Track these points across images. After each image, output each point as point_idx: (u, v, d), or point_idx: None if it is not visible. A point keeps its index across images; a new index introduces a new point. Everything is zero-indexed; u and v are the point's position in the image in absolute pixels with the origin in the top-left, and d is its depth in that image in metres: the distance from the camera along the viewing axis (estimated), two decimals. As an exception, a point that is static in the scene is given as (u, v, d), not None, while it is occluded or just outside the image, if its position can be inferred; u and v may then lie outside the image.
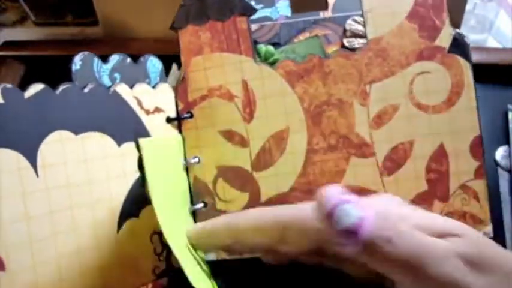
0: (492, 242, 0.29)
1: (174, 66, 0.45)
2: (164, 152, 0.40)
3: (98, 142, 0.37)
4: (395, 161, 0.39)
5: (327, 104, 0.40)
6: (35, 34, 0.59)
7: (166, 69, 0.44)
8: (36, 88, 0.35)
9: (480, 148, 0.38)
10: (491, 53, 0.50)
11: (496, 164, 0.45)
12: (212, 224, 0.37)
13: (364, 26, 0.40)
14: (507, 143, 0.46)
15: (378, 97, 0.39)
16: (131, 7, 0.54)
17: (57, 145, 0.35)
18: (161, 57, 0.44)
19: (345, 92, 0.40)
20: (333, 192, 0.28)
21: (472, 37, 0.58)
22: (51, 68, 0.54)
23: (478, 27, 0.56)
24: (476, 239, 0.29)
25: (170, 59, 0.45)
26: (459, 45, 0.39)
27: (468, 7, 0.60)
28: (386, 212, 0.29)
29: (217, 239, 0.36)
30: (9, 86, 0.34)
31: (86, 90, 0.37)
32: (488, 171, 0.41)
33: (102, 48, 0.56)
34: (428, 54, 0.39)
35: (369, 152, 0.40)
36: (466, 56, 0.38)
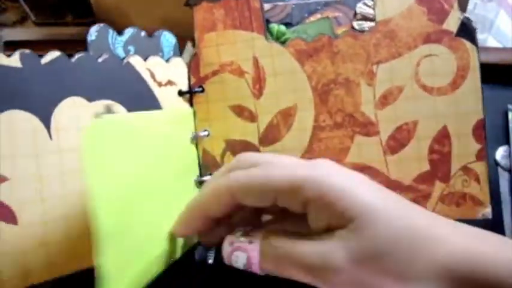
0: None
1: (189, 44, 0.47)
2: (146, 128, 0.38)
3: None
4: (399, 140, 0.41)
5: (334, 83, 0.41)
6: (35, 34, 0.61)
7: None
8: (52, 55, 0.36)
9: (483, 131, 0.39)
10: (491, 53, 0.50)
11: (496, 164, 0.46)
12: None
13: (374, 10, 0.41)
14: (507, 143, 0.47)
15: (385, 77, 0.41)
16: (129, 7, 0.55)
17: (71, 110, 0.37)
18: None
19: (352, 71, 0.41)
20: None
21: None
22: None
23: (478, 27, 0.57)
24: None
25: None
26: (466, 30, 0.39)
27: (468, 7, 0.60)
28: None
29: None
30: (27, 51, 0.35)
31: (100, 60, 0.39)
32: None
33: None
34: (436, 37, 0.40)
35: (373, 130, 0.41)
36: (473, 40, 0.39)
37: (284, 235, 0.29)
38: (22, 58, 0.35)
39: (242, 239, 0.30)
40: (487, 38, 0.58)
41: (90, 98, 0.38)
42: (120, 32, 0.41)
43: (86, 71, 0.38)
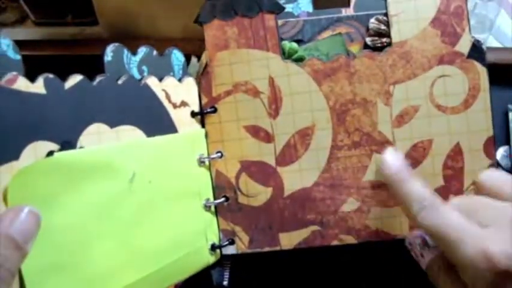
0: None
1: (194, 59, 0.48)
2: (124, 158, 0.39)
3: (129, 135, 0.39)
4: (415, 158, 0.44)
5: (352, 103, 0.45)
6: (35, 34, 0.61)
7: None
8: (75, 79, 0.36)
9: (493, 147, 0.44)
10: (491, 53, 0.55)
11: (497, 164, 0.51)
12: None
13: (387, 25, 0.45)
14: (507, 143, 0.52)
15: (401, 98, 0.44)
16: (131, 7, 0.56)
17: (95, 137, 0.37)
18: None
19: (369, 91, 0.44)
20: None
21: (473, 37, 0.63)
22: (51, 68, 0.56)
23: (479, 26, 0.61)
24: None
25: None
26: (477, 52, 0.44)
27: (468, 7, 0.65)
28: None
29: None
30: (51, 76, 0.35)
31: (119, 82, 0.40)
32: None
33: (102, 48, 0.58)
34: (449, 58, 0.44)
35: (390, 149, 0.45)
36: (483, 61, 0.44)
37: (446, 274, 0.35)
38: (46, 83, 0.35)
39: (418, 248, 0.39)
40: (487, 38, 0.62)
41: (112, 124, 0.38)
42: (133, 52, 0.42)
43: (107, 94, 0.38)
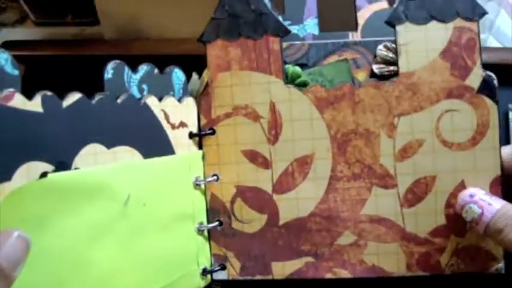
0: None
1: (195, 76, 0.50)
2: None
3: (126, 156, 0.41)
4: (416, 194, 0.46)
5: (354, 133, 0.46)
6: (35, 34, 0.63)
7: (164, 68, 0.48)
8: (73, 97, 0.38)
9: (499, 187, 0.45)
10: (491, 53, 0.57)
11: None
12: None
13: (395, 53, 0.46)
14: (508, 143, 0.53)
15: (405, 130, 0.45)
16: (132, 7, 0.58)
17: (91, 158, 0.39)
18: (163, 57, 0.49)
19: (373, 122, 0.46)
20: None
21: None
22: (51, 68, 0.58)
23: None
24: None
25: (172, 58, 0.50)
26: (488, 87, 0.45)
27: None
28: None
29: None
30: (49, 93, 0.37)
31: (119, 101, 0.42)
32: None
33: (102, 48, 0.60)
34: (458, 92, 0.45)
35: (391, 183, 0.46)
36: (493, 97, 0.45)
37: None
38: (44, 101, 0.36)
39: (483, 197, 0.43)
40: (487, 38, 0.63)
41: (109, 145, 0.40)
42: (134, 69, 0.44)
43: (105, 113, 0.40)
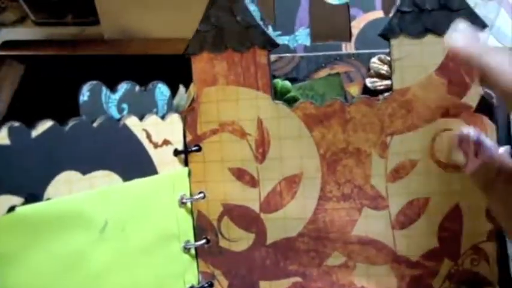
0: None
1: (181, 89, 0.49)
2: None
3: (104, 181, 0.41)
4: (408, 216, 0.44)
5: (344, 152, 0.44)
6: (35, 34, 0.63)
7: (164, 68, 0.47)
8: (44, 126, 0.37)
9: (496, 210, 0.43)
10: None
11: None
12: None
13: (390, 66, 0.44)
14: (508, 143, 0.51)
15: (398, 150, 0.44)
16: (132, 7, 0.57)
17: (65, 187, 0.39)
18: (162, 57, 0.47)
19: (364, 141, 0.44)
20: None
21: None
22: (51, 68, 0.58)
23: None
24: None
25: (172, 58, 0.48)
26: (486, 105, 0.43)
27: None
28: None
29: None
30: (16, 124, 0.36)
31: (95, 124, 0.41)
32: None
33: (102, 48, 0.59)
34: (454, 111, 0.43)
35: (382, 204, 0.44)
36: (492, 117, 0.43)
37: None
38: (11, 133, 0.35)
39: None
40: (487, 38, 0.61)
41: (85, 171, 0.40)
42: (112, 89, 0.43)
43: (80, 139, 0.39)
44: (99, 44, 0.62)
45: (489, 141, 0.39)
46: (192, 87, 0.47)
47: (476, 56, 0.35)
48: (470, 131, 0.40)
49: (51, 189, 0.38)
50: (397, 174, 0.44)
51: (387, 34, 0.43)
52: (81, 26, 0.64)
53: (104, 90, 0.42)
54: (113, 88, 0.43)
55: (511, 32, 0.60)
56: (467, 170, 0.39)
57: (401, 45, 0.43)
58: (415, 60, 0.43)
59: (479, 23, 0.42)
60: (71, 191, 0.39)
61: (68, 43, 0.63)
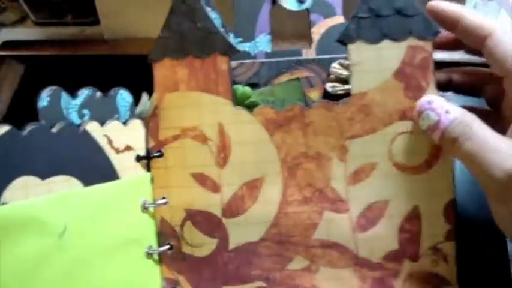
0: None
1: (144, 96, 0.49)
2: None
3: (64, 186, 0.41)
4: (369, 218, 0.45)
5: (304, 156, 0.45)
6: (35, 34, 0.64)
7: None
8: (1, 131, 0.38)
9: (453, 211, 0.44)
10: None
11: None
12: None
13: (350, 78, 0.45)
14: None
15: (357, 153, 0.44)
16: (132, 7, 0.58)
17: (21, 191, 0.39)
18: None
19: (324, 145, 0.45)
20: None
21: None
22: (51, 68, 0.58)
23: None
24: None
25: None
26: (442, 108, 0.44)
27: (469, 6, 0.66)
28: None
29: None
30: None
31: (54, 130, 0.41)
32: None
33: (102, 48, 0.60)
34: (412, 114, 0.44)
35: (343, 207, 0.45)
36: (448, 119, 0.44)
37: (484, 127, 0.39)
38: None
39: (442, 104, 0.41)
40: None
41: (43, 176, 0.40)
42: (73, 95, 0.43)
43: (39, 144, 0.40)
44: (99, 44, 0.63)
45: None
46: (154, 95, 0.47)
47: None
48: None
49: (7, 194, 0.38)
50: (357, 177, 0.45)
51: (344, 40, 0.44)
52: (81, 26, 0.65)
53: (64, 95, 0.43)
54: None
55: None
56: (441, 125, 0.40)
57: (359, 51, 0.44)
58: (372, 65, 0.44)
59: (432, 30, 0.43)
60: (28, 195, 0.39)
61: (68, 43, 0.64)
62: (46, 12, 0.65)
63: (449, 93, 0.47)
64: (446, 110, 0.40)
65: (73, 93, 0.44)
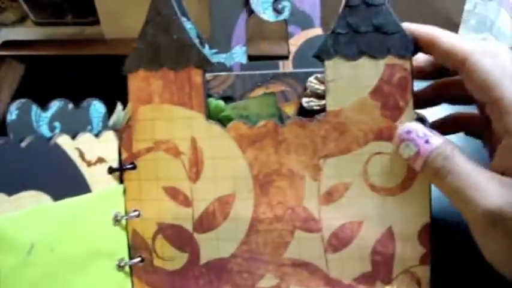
0: None
1: (119, 107, 0.49)
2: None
3: (32, 201, 0.41)
4: (341, 239, 0.44)
5: (277, 174, 0.44)
6: (35, 34, 0.65)
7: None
8: (-35, 147, 0.38)
9: (428, 235, 0.43)
10: None
11: None
12: None
13: (325, 95, 0.44)
14: None
15: (331, 173, 0.44)
16: (132, 7, 0.58)
17: (-14, 209, 0.39)
18: None
19: (297, 163, 0.44)
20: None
21: (473, 36, 0.63)
22: (51, 68, 0.59)
23: (479, 26, 0.62)
24: None
25: None
26: (419, 129, 0.43)
27: (469, 6, 0.65)
28: None
29: None
30: None
31: (23, 144, 0.41)
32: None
33: (102, 48, 0.60)
34: (388, 134, 0.43)
35: (315, 227, 0.44)
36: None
37: (464, 161, 0.38)
38: None
39: (422, 134, 0.40)
40: (487, 38, 0.62)
41: (11, 192, 0.40)
42: (44, 107, 0.43)
43: (6, 159, 0.39)
44: (99, 44, 0.63)
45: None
46: (129, 106, 0.47)
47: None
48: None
49: (-30, 213, 0.38)
50: (330, 197, 0.44)
51: (322, 55, 0.43)
52: (81, 26, 0.65)
53: (34, 108, 0.42)
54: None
55: (511, 32, 0.61)
56: (421, 155, 0.40)
57: (336, 67, 0.43)
58: (349, 82, 0.43)
59: (410, 47, 0.42)
60: (-4, 214, 0.39)
61: (68, 43, 0.65)
62: (46, 12, 0.66)
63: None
64: (426, 139, 0.39)
65: (45, 106, 0.43)
